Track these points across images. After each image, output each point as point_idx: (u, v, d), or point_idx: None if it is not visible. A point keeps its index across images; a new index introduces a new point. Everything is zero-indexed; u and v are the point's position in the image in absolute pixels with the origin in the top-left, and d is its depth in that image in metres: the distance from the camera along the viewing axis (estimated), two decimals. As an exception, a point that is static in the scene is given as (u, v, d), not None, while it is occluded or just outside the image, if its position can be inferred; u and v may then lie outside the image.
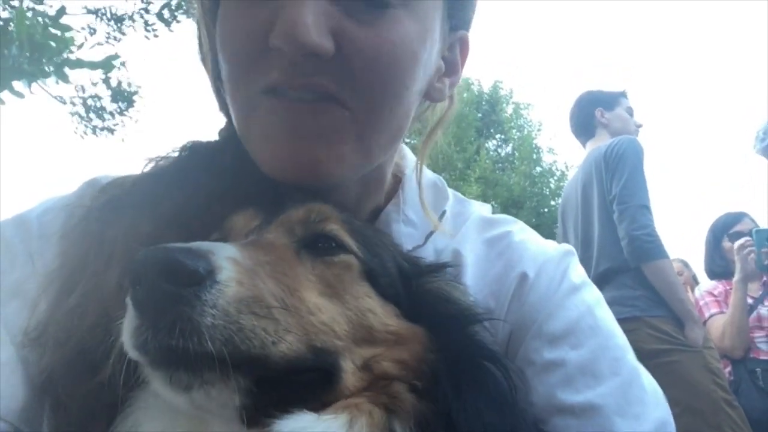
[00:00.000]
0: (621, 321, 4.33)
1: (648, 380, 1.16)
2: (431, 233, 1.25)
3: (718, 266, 5.61)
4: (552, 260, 1.23)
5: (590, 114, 4.95)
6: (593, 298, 1.22)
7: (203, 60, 1.23)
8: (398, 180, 1.35)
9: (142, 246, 0.93)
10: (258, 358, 0.75)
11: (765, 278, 5.26)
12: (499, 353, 0.96)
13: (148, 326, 0.72)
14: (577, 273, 1.24)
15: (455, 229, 1.30)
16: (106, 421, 0.87)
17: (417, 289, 1.01)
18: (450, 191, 1.39)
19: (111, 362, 0.86)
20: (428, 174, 1.36)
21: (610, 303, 4.29)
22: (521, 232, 1.30)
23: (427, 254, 1.20)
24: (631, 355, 1.17)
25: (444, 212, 1.31)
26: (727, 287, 5.37)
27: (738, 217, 5.63)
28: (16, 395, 0.98)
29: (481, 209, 1.39)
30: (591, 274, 4.25)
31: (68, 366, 0.91)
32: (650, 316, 4.10)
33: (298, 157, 1.04)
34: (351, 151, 1.08)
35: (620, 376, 1.11)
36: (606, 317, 1.21)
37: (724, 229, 5.62)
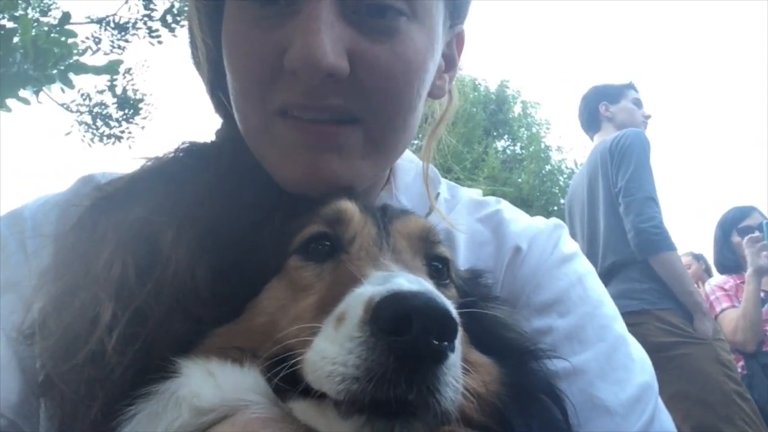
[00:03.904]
0: (629, 314, 4.29)
1: (635, 349, 1.17)
2: (427, 215, 1.26)
3: (728, 260, 5.59)
4: (543, 233, 1.26)
5: (595, 109, 4.97)
6: (584, 268, 1.24)
7: (197, 64, 1.23)
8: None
9: (145, 244, 0.94)
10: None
11: None
12: (557, 386, 0.96)
13: (398, 377, 0.68)
14: (568, 245, 1.27)
15: (448, 211, 1.33)
16: (99, 406, 0.86)
17: (476, 312, 1.00)
18: (442, 179, 1.41)
19: (95, 341, 0.87)
20: (421, 163, 1.37)
21: (618, 296, 4.23)
22: (509, 210, 1.34)
23: None
24: (619, 325, 1.18)
25: (438, 194, 1.34)
26: (738, 281, 5.35)
27: (747, 212, 5.61)
28: (13, 390, 0.98)
29: (471, 192, 1.41)
30: (598, 268, 4.21)
31: (63, 357, 0.90)
32: (658, 308, 4.07)
33: (316, 174, 1.05)
34: (368, 165, 1.10)
35: (606, 342, 1.12)
36: (595, 287, 1.22)
37: (733, 224, 5.59)
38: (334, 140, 1.05)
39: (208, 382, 0.83)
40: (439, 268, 0.99)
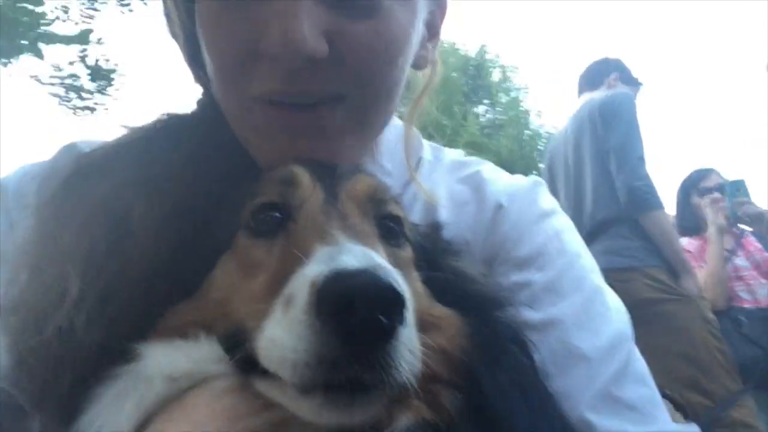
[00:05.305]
0: (618, 271, 4.36)
1: (612, 299, 1.19)
2: (405, 186, 1.27)
3: (689, 222, 5.64)
4: (522, 189, 1.29)
5: (605, 73, 4.95)
6: (562, 223, 1.27)
7: (174, 35, 1.19)
8: None
9: (115, 219, 0.92)
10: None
11: (735, 229, 5.33)
12: (523, 334, 0.96)
13: (349, 360, 0.67)
14: (547, 200, 1.29)
15: (430, 172, 1.34)
16: (68, 383, 0.85)
17: (437, 267, 1.00)
18: (425, 141, 1.42)
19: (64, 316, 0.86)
20: (403, 127, 1.36)
21: (606, 253, 4.31)
22: (491, 170, 1.36)
23: (406, 199, 1.23)
24: (595, 276, 1.21)
25: (420, 158, 1.35)
26: (700, 242, 5.43)
27: (705, 173, 5.66)
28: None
29: (454, 154, 1.43)
30: (584, 226, 4.27)
31: (32, 332, 0.88)
32: (647, 265, 4.12)
33: (301, 155, 1.03)
34: (353, 142, 1.09)
35: (582, 292, 1.14)
36: (573, 241, 1.24)
37: (692, 185, 5.65)
38: (316, 123, 1.03)
39: (175, 353, 0.83)
40: (391, 227, 0.97)
